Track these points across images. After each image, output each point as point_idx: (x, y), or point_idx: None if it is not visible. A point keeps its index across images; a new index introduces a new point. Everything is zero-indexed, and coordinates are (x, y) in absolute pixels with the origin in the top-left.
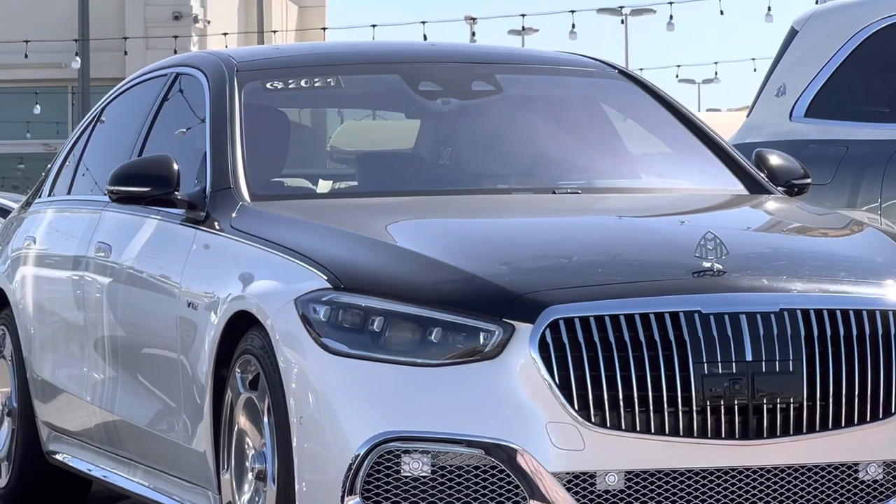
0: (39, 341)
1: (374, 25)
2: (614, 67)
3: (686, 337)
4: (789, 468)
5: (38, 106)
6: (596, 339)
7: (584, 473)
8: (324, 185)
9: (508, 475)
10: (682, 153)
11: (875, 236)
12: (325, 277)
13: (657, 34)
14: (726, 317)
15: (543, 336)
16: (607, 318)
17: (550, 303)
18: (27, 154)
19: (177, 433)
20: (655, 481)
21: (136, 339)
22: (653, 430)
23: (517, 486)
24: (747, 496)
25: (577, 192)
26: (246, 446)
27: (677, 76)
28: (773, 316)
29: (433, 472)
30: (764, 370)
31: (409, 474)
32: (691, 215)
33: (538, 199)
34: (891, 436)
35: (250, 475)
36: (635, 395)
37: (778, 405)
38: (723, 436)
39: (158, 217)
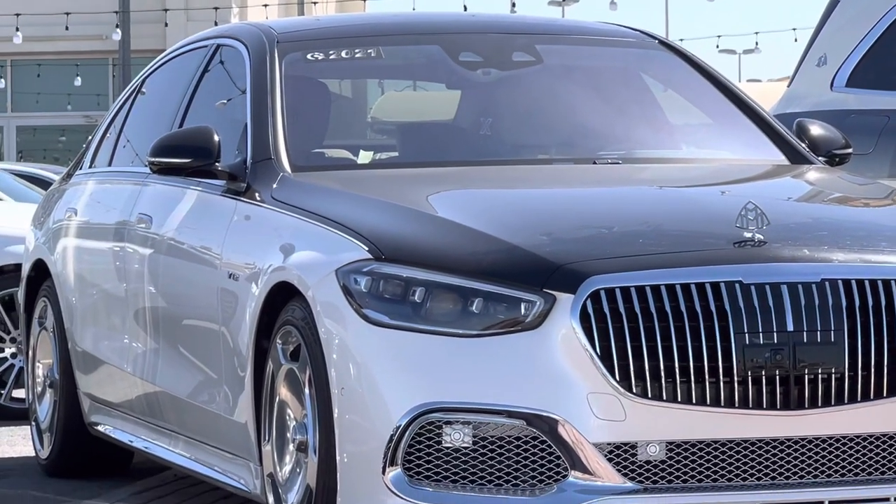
0: (80, 313)
1: None
2: (654, 38)
3: (727, 307)
4: (830, 438)
5: (78, 78)
6: (637, 309)
7: (625, 444)
8: (364, 156)
9: (549, 446)
10: (723, 123)
11: None
12: (366, 248)
13: (697, 4)
14: (767, 287)
15: (584, 306)
16: (648, 289)
17: (591, 273)
18: (68, 126)
19: (218, 404)
20: (697, 452)
21: (177, 310)
22: (694, 401)
23: (558, 457)
24: (788, 466)
25: (618, 163)
26: (287, 417)
27: (717, 46)
28: (814, 286)
29: (474, 443)
30: (805, 340)
31: (450, 445)
32: (732, 185)
33: (578, 170)
34: None
35: (291, 446)
36: (676, 365)
37: (819, 375)
38: (764, 406)
39: (199, 188)
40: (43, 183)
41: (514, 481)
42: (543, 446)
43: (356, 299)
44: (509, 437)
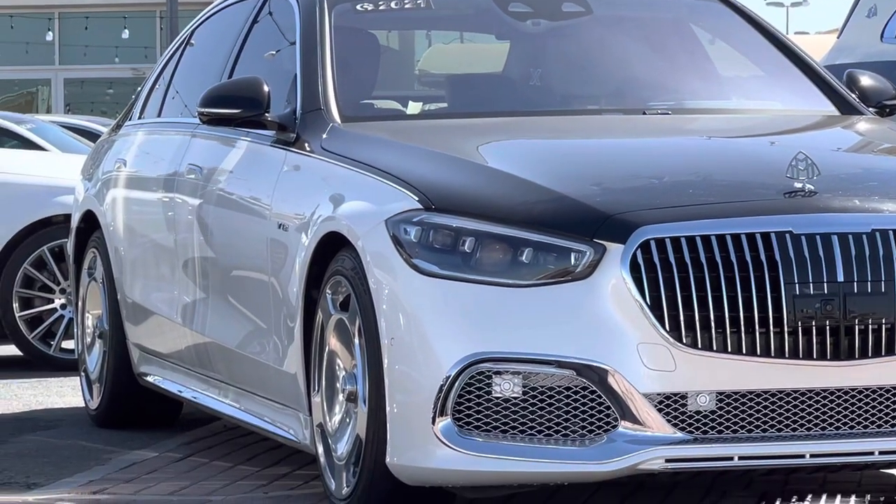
0: (130, 263)
1: None
2: None
3: (777, 257)
4: (880, 389)
5: (126, 31)
6: (687, 259)
7: (675, 394)
8: (413, 108)
9: (599, 396)
10: (773, 74)
11: None
12: (416, 198)
13: None
14: (818, 237)
15: (634, 256)
16: (698, 239)
17: (641, 223)
18: (115, 79)
19: (267, 355)
20: (746, 402)
21: (227, 260)
22: (744, 351)
23: (608, 407)
24: (838, 417)
25: (667, 113)
26: (336, 368)
27: None
28: (864, 237)
29: (524, 394)
30: (855, 291)
31: (499, 395)
32: (782, 136)
33: (628, 120)
34: None
35: (341, 397)
36: (726, 315)
37: (869, 326)
38: (814, 357)
39: (248, 139)
40: (90, 135)
41: (564, 432)
42: (593, 396)
43: (406, 249)
44: (559, 387)
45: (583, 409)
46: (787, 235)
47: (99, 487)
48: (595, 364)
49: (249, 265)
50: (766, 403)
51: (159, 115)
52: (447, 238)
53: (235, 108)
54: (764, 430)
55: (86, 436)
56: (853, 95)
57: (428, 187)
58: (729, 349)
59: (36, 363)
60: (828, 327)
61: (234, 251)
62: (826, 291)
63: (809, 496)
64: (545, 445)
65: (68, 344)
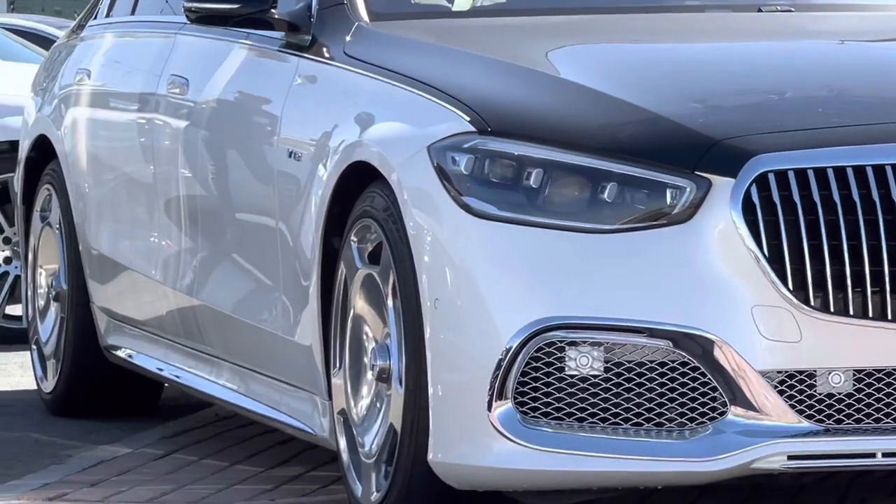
0: (96, 204)
1: None
2: None
3: None
4: None
5: None
6: (816, 197)
7: (800, 372)
8: (462, 2)
9: (703, 374)
10: None
11: None
12: (468, 118)
13: None
14: None
15: (748, 194)
16: (830, 172)
17: (757, 151)
18: None
19: (274, 321)
20: (893, 383)
21: (221, 200)
22: (890, 317)
23: (714, 389)
24: None
25: (789, 10)
26: (364, 337)
27: None
28: None
29: (606, 371)
30: None
31: (575, 373)
32: None
33: (740, 19)
34: None
35: (369, 375)
36: (867, 270)
37: None
38: None
39: (250, 42)
40: (42, 40)
41: (658, 420)
42: (695, 375)
43: (454, 184)
44: (651, 362)
45: (681, 390)
46: None
47: (56, 493)
48: (697, 333)
49: (251, 206)
50: None
51: (133, 12)
52: (507, 169)
53: (233, 1)
54: None
55: (38, 426)
56: None
57: (482, 104)
58: (870, 314)
59: None
60: None
61: (230, 188)
62: None
63: None
64: (634, 438)
65: (14, 309)
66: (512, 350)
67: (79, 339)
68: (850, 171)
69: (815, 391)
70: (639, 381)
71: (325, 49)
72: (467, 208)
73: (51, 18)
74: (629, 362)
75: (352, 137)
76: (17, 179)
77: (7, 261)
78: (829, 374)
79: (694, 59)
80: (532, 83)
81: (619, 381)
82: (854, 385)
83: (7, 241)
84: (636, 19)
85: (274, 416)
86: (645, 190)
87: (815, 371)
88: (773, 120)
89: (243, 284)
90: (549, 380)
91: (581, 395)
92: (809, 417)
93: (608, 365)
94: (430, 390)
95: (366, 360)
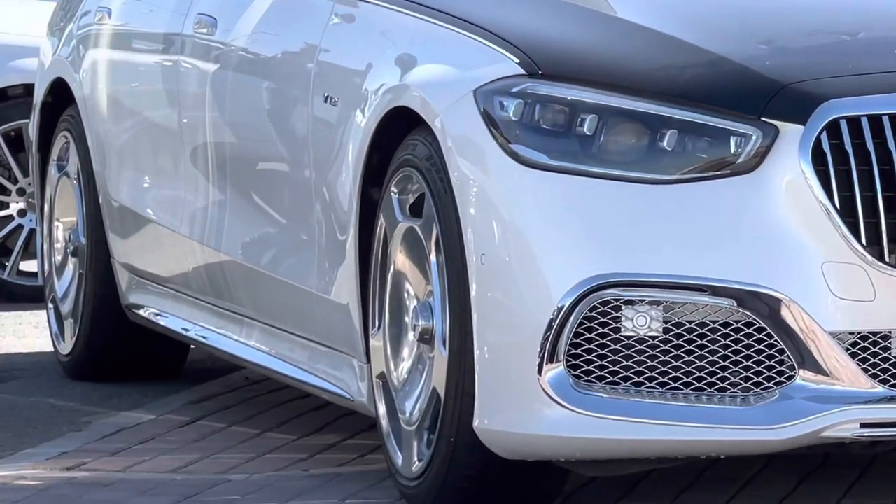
0: (117, 153)
1: None
2: None
3: None
4: None
5: None
6: (891, 146)
7: (873, 334)
8: None
9: (769, 335)
10: None
11: None
12: (517, 60)
13: None
14: None
15: (818, 142)
16: None
17: (829, 96)
18: None
19: (308, 278)
20: None
21: (252, 148)
22: None
23: (781, 351)
24: None
25: None
26: (405, 295)
27: None
28: None
29: (665, 332)
30: None
31: (632, 334)
32: None
33: None
34: None
35: (411, 336)
36: None
37: None
38: None
39: None
40: None
41: (721, 385)
42: (761, 336)
43: (503, 131)
44: (713, 323)
45: (746, 352)
46: None
47: (74, 462)
48: (763, 291)
49: (283, 154)
50: None
51: None
52: (560, 115)
53: None
54: None
55: (55, 391)
56: None
57: (533, 45)
58: None
59: None
60: None
61: (261, 135)
62: None
63: None
64: (694, 404)
65: (29, 265)
66: (564, 309)
67: (98, 298)
68: None
69: (889, 354)
70: (700, 342)
71: None
72: (516, 157)
73: None
74: (690, 323)
75: (392, 81)
76: (32, 126)
77: (21, 213)
78: None
79: None
80: (586, 22)
81: (678, 342)
82: None
83: (21, 192)
84: None
85: (308, 381)
86: (707, 137)
87: (889, 332)
88: (845, 62)
89: (275, 239)
90: (604, 341)
91: (638, 358)
92: (884, 382)
93: (667, 325)
94: (476, 352)
95: (407, 319)
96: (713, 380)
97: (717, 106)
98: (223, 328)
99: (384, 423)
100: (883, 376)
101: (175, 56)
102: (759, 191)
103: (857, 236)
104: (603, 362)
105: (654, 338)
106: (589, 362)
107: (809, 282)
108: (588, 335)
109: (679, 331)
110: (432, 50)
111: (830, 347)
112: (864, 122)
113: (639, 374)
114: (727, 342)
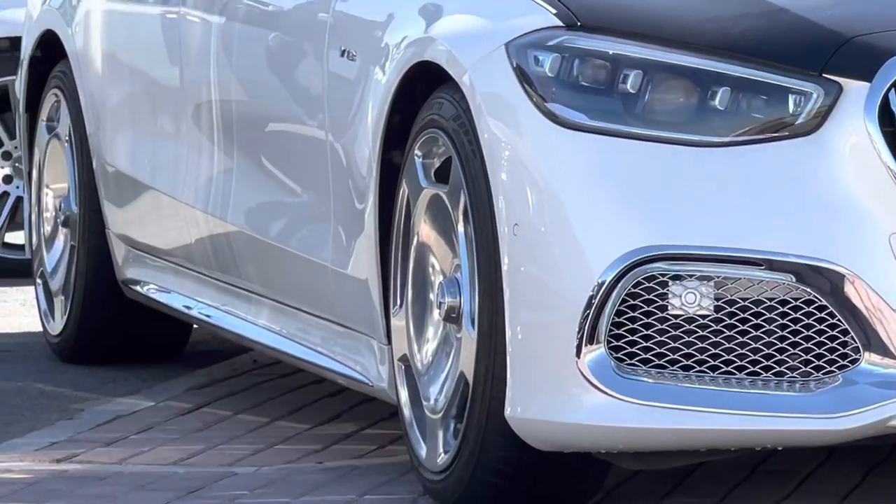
0: (112, 113)
1: None
2: None
3: None
4: None
5: None
6: None
7: None
8: None
9: (832, 314)
10: None
11: None
12: (554, 10)
13: None
14: None
15: (886, 101)
16: None
17: None
18: None
19: (323, 251)
20: None
21: (262, 107)
22: None
23: (844, 332)
24: None
25: None
26: (430, 270)
27: None
28: None
29: (717, 310)
30: None
31: (679, 313)
32: None
33: None
34: None
35: (436, 314)
36: None
37: None
38: None
39: None
40: None
41: (778, 369)
42: (822, 315)
43: (537, 89)
44: (770, 300)
45: (805, 333)
46: None
47: (64, 453)
48: (825, 265)
49: (296, 114)
50: None
51: None
52: (600, 71)
53: None
54: None
55: (44, 375)
56: None
57: None
58: None
59: None
60: None
61: (272, 93)
62: None
63: None
64: (749, 391)
65: (16, 237)
66: (605, 285)
67: (92, 272)
68: None
69: None
70: (755, 322)
71: None
72: (553, 117)
73: None
74: (744, 300)
75: (416, 33)
76: (18, 84)
77: (7, 179)
78: None
79: None
80: None
81: (731, 322)
82: None
83: (7, 156)
84: None
85: (322, 364)
86: (763, 96)
87: None
88: None
89: (287, 207)
90: (649, 321)
91: (686, 340)
92: None
93: (719, 303)
94: (508, 333)
95: (432, 296)
96: (769, 363)
97: (774, 61)
98: (229, 306)
99: (406, 410)
100: None
101: (177, 7)
102: (820, 154)
103: None
104: (648, 344)
105: (704, 317)
106: (632, 344)
107: (876, 255)
108: (631, 314)
109: (732, 309)
110: None
111: None
112: None
113: (687, 356)
114: (785, 322)
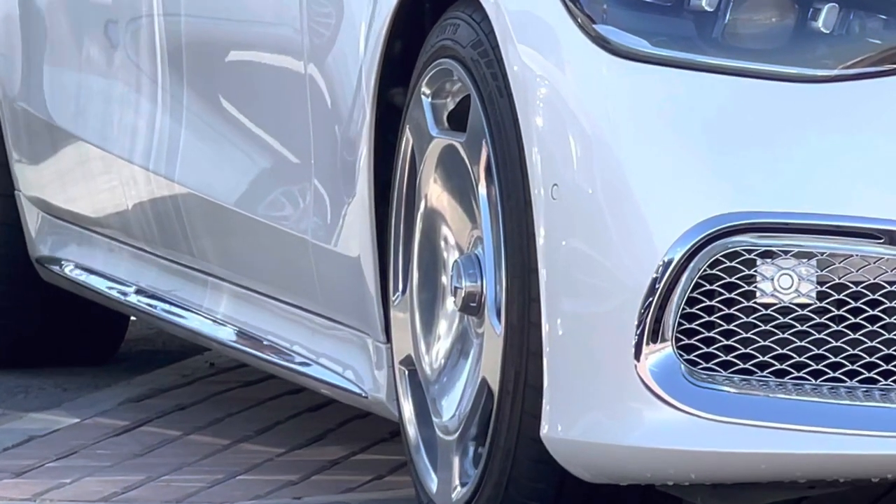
0: (25, 39)
1: None
2: None
3: None
4: None
5: None
6: None
7: None
8: None
9: None
10: None
11: None
12: None
13: None
14: None
15: None
16: None
17: None
18: None
19: (301, 220)
20: None
21: (219, 31)
22: None
23: None
24: None
25: None
26: (442, 245)
27: None
28: None
29: (821, 297)
30: None
31: (772, 301)
32: None
33: None
34: None
35: (450, 303)
36: None
37: None
38: None
39: None
40: None
41: None
42: None
43: (584, 6)
44: (890, 284)
45: None
46: None
47: None
48: None
49: (265, 39)
50: None
51: None
52: None
53: None
54: None
55: None
56: None
57: None
58: None
59: None
60: None
61: (232, 11)
62: None
63: None
64: (863, 403)
65: None
66: (674, 264)
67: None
68: None
69: None
70: (871, 314)
71: None
72: (604, 43)
73: None
74: (856, 285)
75: None
76: None
77: None
78: None
79: None
80: None
81: (840, 314)
82: None
83: None
84: None
85: (299, 369)
86: (882, 15)
87: None
88: None
89: (253, 163)
90: (732, 311)
91: (780, 337)
92: None
93: (824, 289)
94: (546, 327)
95: (444, 279)
96: (889, 367)
97: None
98: (178, 292)
99: (412, 430)
100: None
101: None
102: None
103: None
104: (730, 342)
105: (804, 306)
106: (709, 342)
107: None
108: (708, 302)
109: (841, 296)
110: None
111: None
112: None
113: (782, 359)
114: None
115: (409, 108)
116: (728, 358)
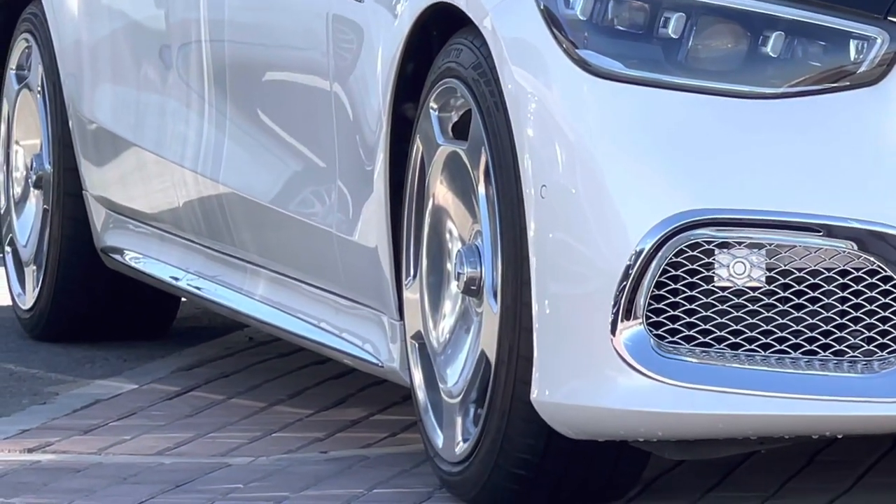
0: (90, 60)
1: None
2: None
3: None
4: None
5: None
6: None
7: None
8: None
9: None
10: None
11: None
12: None
13: None
14: None
15: None
16: None
17: None
18: None
19: (327, 215)
20: None
21: (257, 54)
22: None
23: None
24: None
25: None
26: (447, 237)
27: None
28: None
29: (769, 282)
30: None
31: (728, 284)
32: None
33: None
34: None
35: (454, 286)
36: None
37: None
38: None
39: None
40: None
41: (838, 348)
42: (888, 287)
43: (568, 34)
44: (829, 270)
45: (869, 309)
46: None
47: (36, 442)
48: (890, 231)
49: (297, 62)
50: None
51: None
52: (638, 14)
53: None
54: None
55: (14, 355)
56: None
57: None
58: None
59: None
60: None
61: (269, 37)
62: None
63: None
64: (805, 372)
65: None
66: (644, 253)
67: (67, 239)
68: None
69: None
70: (812, 295)
71: None
72: (584, 65)
73: None
74: (799, 271)
75: None
76: None
77: None
78: None
79: None
80: None
81: (785, 295)
82: None
83: None
84: None
85: (326, 342)
86: (821, 41)
87: None
88: None
89: (286, 166)
90: (693, 293)
91: (735, 315)
92: None
93: (771, 274)
94: (535, 307)
95: (449, 266)
96: (828, 341)
97: (833, 2)
98: (222, 277)
99: (421, 394)
100: None
101: None
102: (885, 107)
103: None
104: (691, 319)
105: (754, 289)
106: (674, 319)
107: None
108: (673, 285)
109: (786, 280)
110: None
111: None
112: None
113: (736, 334)
114: (845, 295)
115: (420, 120)
116: (690, 333)
